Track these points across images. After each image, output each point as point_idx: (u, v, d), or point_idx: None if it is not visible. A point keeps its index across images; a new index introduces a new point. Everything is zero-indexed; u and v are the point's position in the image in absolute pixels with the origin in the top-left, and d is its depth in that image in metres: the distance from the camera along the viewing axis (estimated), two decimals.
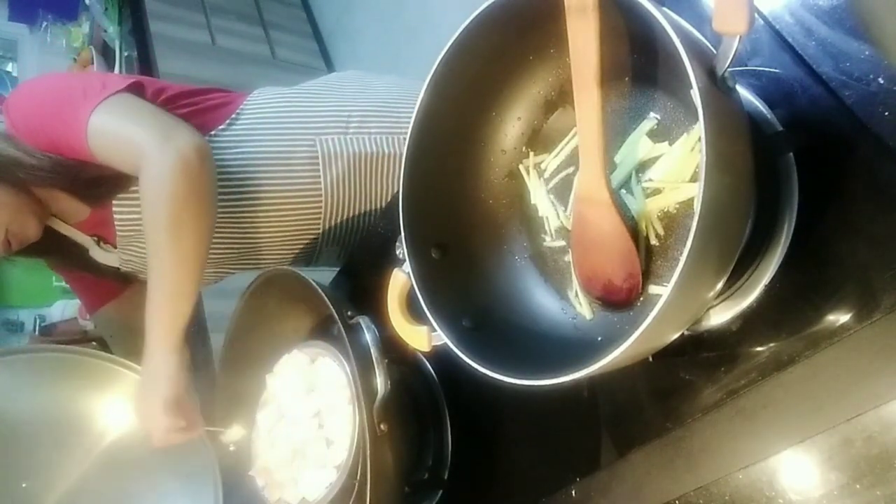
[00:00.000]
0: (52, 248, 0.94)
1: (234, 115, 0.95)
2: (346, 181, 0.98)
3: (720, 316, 0.52)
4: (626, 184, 0.55)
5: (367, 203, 1.02)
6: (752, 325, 0.51)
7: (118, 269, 0.98)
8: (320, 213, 0.99)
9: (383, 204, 1.02)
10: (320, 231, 1.01)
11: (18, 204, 0.85)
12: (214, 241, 0.96)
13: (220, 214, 0.92)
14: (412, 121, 0.57)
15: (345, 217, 1.01)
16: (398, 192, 0.59)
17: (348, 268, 1.09)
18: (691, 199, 0.51)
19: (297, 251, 1.03)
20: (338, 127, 0.99)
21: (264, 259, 1.02)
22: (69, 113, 0.81)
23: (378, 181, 1.01)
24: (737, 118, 0.44)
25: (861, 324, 0.44)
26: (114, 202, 0.89)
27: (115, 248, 0.95)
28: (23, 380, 0.84)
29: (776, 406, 0.48)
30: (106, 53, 2.54)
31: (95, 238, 0.95)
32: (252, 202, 0.94)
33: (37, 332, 2.10)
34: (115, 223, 0.91)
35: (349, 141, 0.99)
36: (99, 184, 0.87)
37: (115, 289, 1.05)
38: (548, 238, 0.62)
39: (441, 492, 0.77)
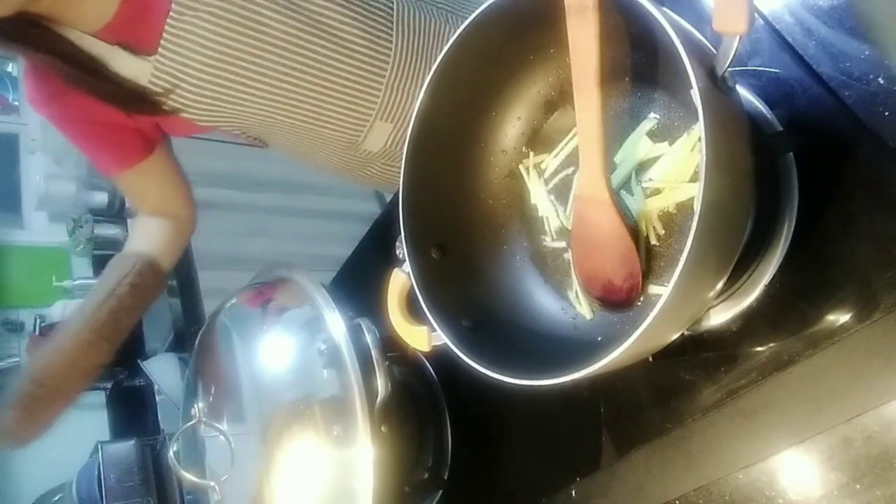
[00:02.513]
0: (63, 57, 0.80)
1: None
2: (416, 44, 0.92)
3: (720, 316, 0.52)
4: (626, 184, 0.55)
5: None
6: (752, 325, 0.51)
7: (144, 90, 0.82)
8: (385, 72, 0.91)
9: None
10: (379, 97, 0.92)
11: None
12: (265, 79, 0.86)
13: (276, 48, 0.83)
14: (412, 121, 0.57)
15: (407, 88, 0.93)
16: (398, 191, 0.59)
17: (348, 268, 1.09)
18: (691, 199, 0.51)
19: (349, 114, 0.93)
20: None
21: (311, 112, 0.91)
22: None
23: None
24: (737, 118, 0.44)
25: (861, 324, 0.44)
26: None
27: (152, 54, 0.80)
28: None
29: (776, 406, 0.48)
30: None
31: (121, 45, 0.80)
32: (317, 39, 0.86)
33: (37, 332, 2.10)
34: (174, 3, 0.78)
35: (421, 6, 0.94)
36: None
37: (132, 152, 0.91)
38: (548, 238, 0.62)
39: (441, 492, 0.77)
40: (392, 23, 0.91)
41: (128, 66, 0.81)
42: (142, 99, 0.83)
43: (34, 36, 0.78)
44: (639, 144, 0.54)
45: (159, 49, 0.80)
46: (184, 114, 0.86)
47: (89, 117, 0.87)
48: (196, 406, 0.82)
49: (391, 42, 0.91)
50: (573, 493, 0.62)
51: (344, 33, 0.87)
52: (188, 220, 1.01)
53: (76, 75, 0.81)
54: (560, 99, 0.60)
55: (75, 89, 0.83)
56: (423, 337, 0.57)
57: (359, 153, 0.97)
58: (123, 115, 0.86)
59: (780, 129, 0.51)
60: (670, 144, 0.53)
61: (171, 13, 0.79)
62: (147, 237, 0.97)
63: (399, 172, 0.98)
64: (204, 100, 0.85)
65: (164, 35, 0.80)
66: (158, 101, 0.83)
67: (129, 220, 2.30)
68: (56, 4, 0.76)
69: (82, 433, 2.04)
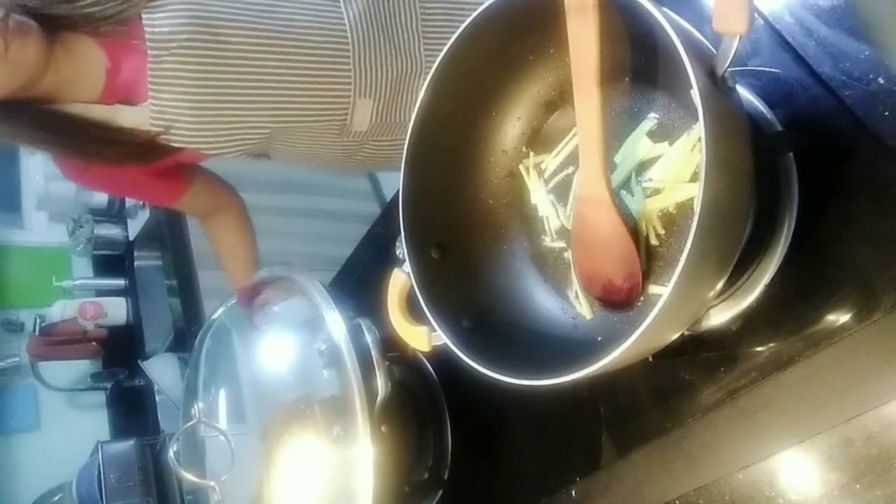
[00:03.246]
0: (77, 135, 0.89)
1: None
2: (369, 18, 0.98)
3: (720, 316, 0.52)
4: (626, 184, 0.55)
5: (394, 49, 1.00)
6: (752, 325, 0.51)
7: (149, 138, 0.90)
8: (349, 53, 0.97)
9: (408, 52, 1.00)
10: (352, 77, 0.98)
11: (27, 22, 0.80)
12: (248, 91, 0.92)
13: (248, 60, 0.91)
14: (412, 121, 0.57)
15: (373, 62, 0.99)
16: (398, 190, 0.59)
17: (348, 268, 1.09)
18: (691, 199, 0.51)
19: (331, 101, 0.99)
20: None
21: (298, 110, 0.98)
22: None
23: (400, 25, 1.00)
24: (737, 118, 0.44)
25: (861, 324, 0.44)
26: (143, 15, 0.86)
27: (146, 101, 0.89)
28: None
29: (776, 406, 0.48)
30: None
31: (121, 102, 0.90)
32: (278, 41, 0.92)
33: (37, 332, 2.10)
34: (147, 39, 0.86)
35: None
36: None
37: (173, 189, 1.05)
38: (548, 238, 0.62)
39: (441, 492, 0.77)
40: (340, 4, 0.96)
41: (130, 117, 0.89)
42: (150, 149, 0.91)
43: (45, 121, 0.87)
44: (639, 144, 0.54)
45: (149, 94, 0.88)
46: (188, 146, 0.93)
47: (123, 177, 0.99)
48: (196, 406, 0.83)
49: (344, 23, 0.96)
50: (573, 493, 0.62)
51: (300, 29, 0.93)
52: (237, 204, 1.15)
53: (89, 150, 0.91)
54: (560, 99, 0.60)
55: (95, 162, 0.94)
56: (423, 337, 0.57)
57: (351, 137, 1.02)
58: (147, 168, 0.97)
59: (780, 129, 0.51)
60: (670, 144, 0.53)
61: (148, 61, 0.87)
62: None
63: (390, 147, 1.02)
64: (201, 127, 0.92)
65: (149, 80, 0.88)
66: (164, 145, 0.91)
67: (129, 220, 2.30)
68: (54, 84, 0.85)
69: (82, 433, 2.04)
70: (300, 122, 0.97)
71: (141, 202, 2.20)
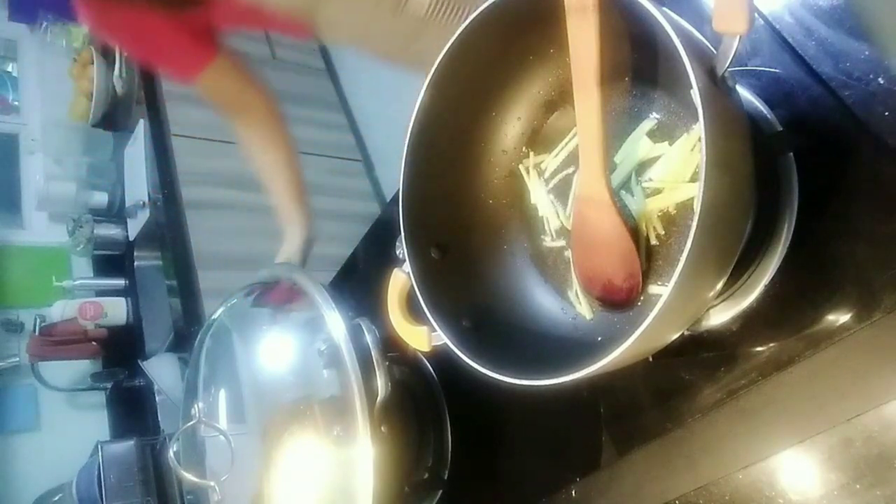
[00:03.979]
0: None
1: None
2: None
3: (720, 316, 0.52)
4: (626, 184, 0.55)
5: None
6: (752, 325, 0.51)
7: None
8: None
9: None
10: None
11: None
12: None
13: None
14: (412, 120, 0.57)
15: None
16: (398, 190, 0.59)
17: (348, 268, 1.09)
18: (691, 199, 0.51)
19: None
20: None
21: None
22: None
23: None
24: (737, 118, 0.44)
25: (861, 324, 0.44)
26: None
27: None
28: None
29: (776, 406, 0.48)
30: (107, 53, 2.54)
31: None
32: None
33: (37, 332, 2.10)
34: None
35: None
36: None
37: (198, 56, 0.95)
38: (548, 238, 0.62)
39: (441, 492, 0.77)
40: None
41: None
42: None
43: None
44: (639, 144, 0.54)
45: None
46: None
47: (147, 33, 0.92)
48: (196, 406, 0.82)
49: None
50: (573, 493, 0.62)
51: None
52: (267, 102, 1.05)
53: None
54: (560, 99, 0.60)
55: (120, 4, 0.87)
56: (423, 337, 0.57)
57: (407, 18, 0.94)
58: (176, 22, 0.89)
59: (780, 129, 0.51)
60: (670, 144, 0.53)
61: None
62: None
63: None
64: None
65: None
66: None
67: (129, 220, 2.31)
68: None
69: (82, 433, 2.04)
70: None
71: (141, 203, 2.19)
